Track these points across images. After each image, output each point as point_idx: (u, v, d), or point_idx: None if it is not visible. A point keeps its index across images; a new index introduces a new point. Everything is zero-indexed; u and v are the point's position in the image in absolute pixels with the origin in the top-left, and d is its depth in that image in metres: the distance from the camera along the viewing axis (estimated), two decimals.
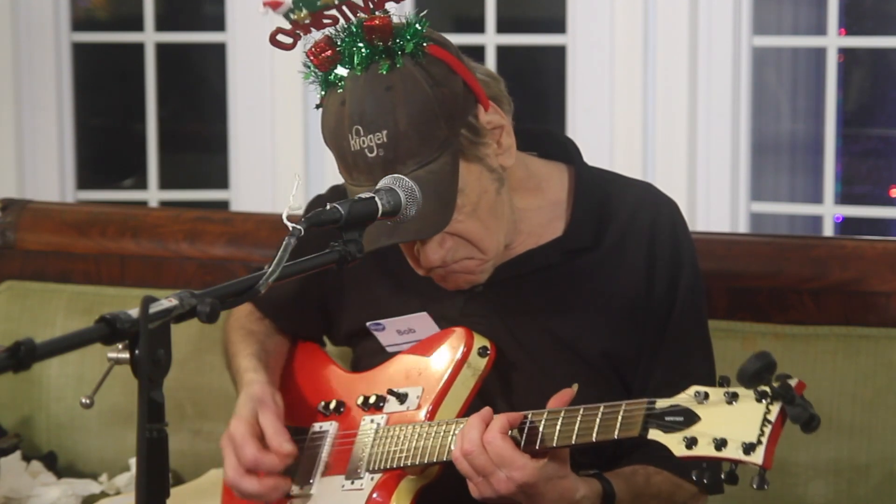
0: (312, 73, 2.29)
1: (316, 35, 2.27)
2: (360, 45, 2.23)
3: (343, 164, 2.26)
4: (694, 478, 1.97)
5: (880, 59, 4.79)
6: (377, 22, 2.22)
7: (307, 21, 2.24)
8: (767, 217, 4.58)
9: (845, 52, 4.57)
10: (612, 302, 2.40)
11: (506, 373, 2.40)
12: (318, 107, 2.31)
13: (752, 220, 4.47)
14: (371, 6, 2.24)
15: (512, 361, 2.40)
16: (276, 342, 2.61)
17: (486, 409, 2.19)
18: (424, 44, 2.24)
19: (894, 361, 2.75)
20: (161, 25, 4.70)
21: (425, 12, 2.26)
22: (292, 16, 2.23)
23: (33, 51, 4.59)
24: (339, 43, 2.25)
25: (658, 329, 2.40)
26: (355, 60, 2.23)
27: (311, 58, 2.26)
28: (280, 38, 2.26)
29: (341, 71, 2.25)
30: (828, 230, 4.47)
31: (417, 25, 2.24)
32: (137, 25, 4.69)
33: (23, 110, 4.61)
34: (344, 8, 2.24)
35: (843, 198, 4.57)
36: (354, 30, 2.24)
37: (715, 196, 4.40)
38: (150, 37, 4.69)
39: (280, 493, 2.37)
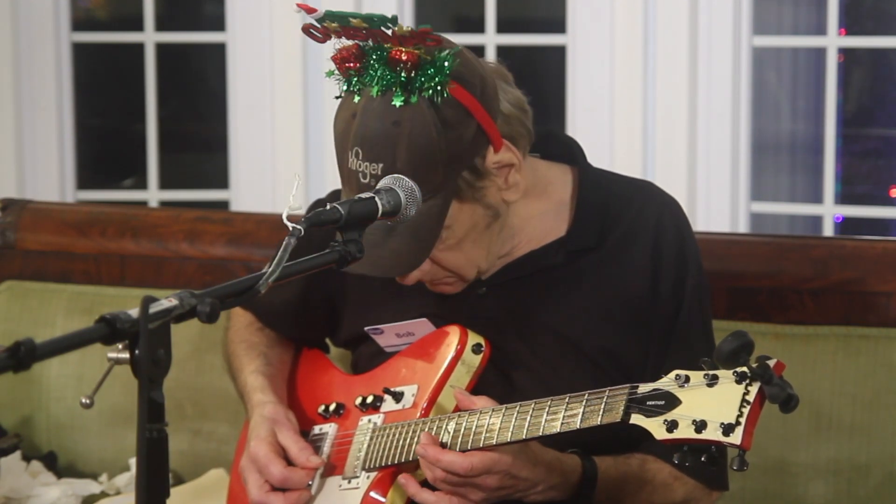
0: (331, 72, 2.29)
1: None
2: (384, 68, 2.22)
3: (340, 170, 2.28)
4: (676, 461, 1.98)
5: (880, 59, 4.79)
6: (405, 57, 2.20)
7: (337, 31, 2.23)
8: (767, 217, 4.58)
9: (845, 52, 4.57)
10: (616, 301, 2.40)
11: (512, 373, 2.40)
12: (338, 97, 2.31)
13: (752, 220, 4.46)
14: (399, 42, 2.21)
15: (518, 362, 2.40)
16: (278, 352, 2.61)
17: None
18: (447, 84, 2.20)
19: (894, 361, 2.75)
20: (161, 25, 4.70)
21: (458, 49, 2.23)
22: (324, 24, 2.23)
23: (33, 51, 4.59)
24: (365, 56, 2.23)
25: (665, 329, 2.40)
26: (374, 81, 2.22)
27: (336, 63, 2.26)
28: (313, 31, 2.26)
29: (359, 83, 2.25)
30: (828, 230, 4.47)
31: (446, 63, 2.20)
32: (137, 25, 4.69)
33: (23, 110, 4.61)
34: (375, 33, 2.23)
35: (843, 198, 4.57)
36: (383, 50, 2.22)
37: (715, 196, 4.40)
38: (150, 37, 4.69)
39: None
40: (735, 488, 2.72)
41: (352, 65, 2.24)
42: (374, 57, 2.22)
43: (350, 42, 2.24)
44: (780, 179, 4.74)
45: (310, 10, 2.22)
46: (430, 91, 2.20)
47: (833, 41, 4.39)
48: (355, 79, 2.25)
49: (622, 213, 2.43)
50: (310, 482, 2.39)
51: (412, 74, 2.20)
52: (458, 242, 2.28)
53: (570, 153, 2.49)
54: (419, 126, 2.20)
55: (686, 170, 4.37)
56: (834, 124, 4.39)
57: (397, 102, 2.20)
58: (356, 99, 2.24)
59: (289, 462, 2.38)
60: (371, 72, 2.22)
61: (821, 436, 2.76)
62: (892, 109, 4.95)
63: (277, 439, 2.40)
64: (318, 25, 2.23)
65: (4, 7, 4.53)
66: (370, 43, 2.23)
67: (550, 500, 2.27)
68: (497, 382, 2.38)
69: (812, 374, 2.76)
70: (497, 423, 2.19)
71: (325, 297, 2.55)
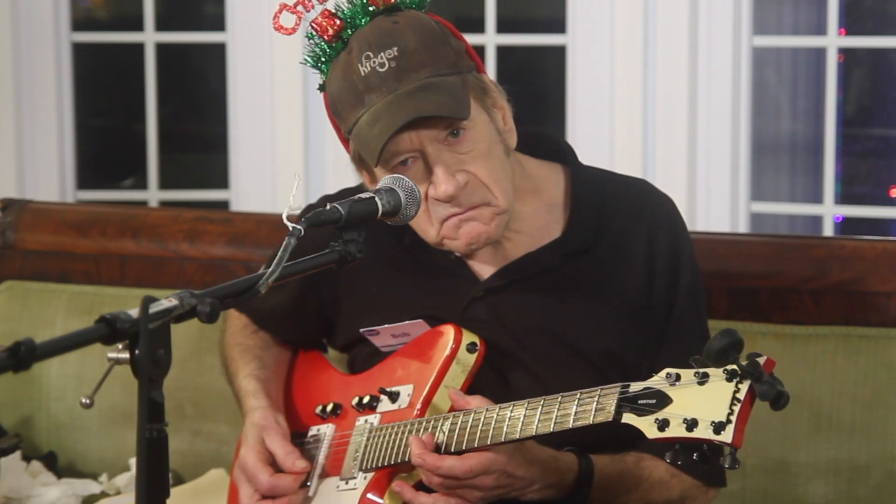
0: (315, 54, 2.30)
1: (310, 18, 2.30)
2: (365, 8, 2.28)
3: (353, 99, 2.26)
4: (668, 459, 1.97)
5: (880, 59, 4.79)
6: None
7: None
8: (767, 217, 4.58)
9: (845, 52, 4.57)
10: (612, 301, 2.40)
11: (509, 375, 2.40)
12: (320, 88, 2.32)
13: (752, 220, 4.46)
14: None
15: (515, 365, 2.40)
16: (273, 354, 2.61)
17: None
18: (425, 5, 2.31)
19: (894, 361, 2.75)
20: (161, 25, 4.70)
21: None
22: None
23: (33, 51, 4.59)
24: (341, 14, 2.28)
25: (659, 327, 2.40)
26: (361, 21, 2.28)
27: (318, 29, 2.28)
28: (282, 20, 2.28)
29: (346, 35, 2.29)
30: (828, 230, 4.47)
31: None
32: (137, 25, 4.69)
33: (23, 110, 4.60)
34: None
35: (843, 198, 4.57)
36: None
37: (715, 196, 4.40)
38: (150, 37, 4.69)
39: None
40: (735, 488, 2.72)
41: (335, 24, 2.26)
42: (352, 9, 2.28)
43: (321, 6, 2.30)
44: (780, 179, 4.73)
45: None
46: (415, 7, 2.30)
47: (833, 41, 4.39)
48: (344, 33, 2.28)
49: (617, 213, 2.43)
50: (308, 482, 2.39)
51: (392, 3, 2.29)
52: (485, 152, 2.28)
53: (560, 152, 2.49)
54: (417, 21, 2.28)
55: (686, 170, 4.37)
56: (834, 124, 4.39)
57: (388, 14, 2.28)
58: (344, 50, 2.28)
59: (278, 468, 2.38)
60: (357, 18, 2.28)
61: (821, 436, 2.76)
62: (892, 109, 4.95)
63: (266, 446, 2.40)
64: (290, 2, 2.27)
65: (4, 7, 4.53)
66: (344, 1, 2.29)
67: (547, 498, 2.27)
68: (494, 384, 2.38)
69: (812, 374, 2.76)
70: (491, 422, 2.19)
71: (319, 306, 2.55)
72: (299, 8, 2.30)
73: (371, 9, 2.28)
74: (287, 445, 2.39)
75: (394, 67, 2.22)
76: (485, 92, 2.30)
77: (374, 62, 2.23)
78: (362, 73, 2.24)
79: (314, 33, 2.30)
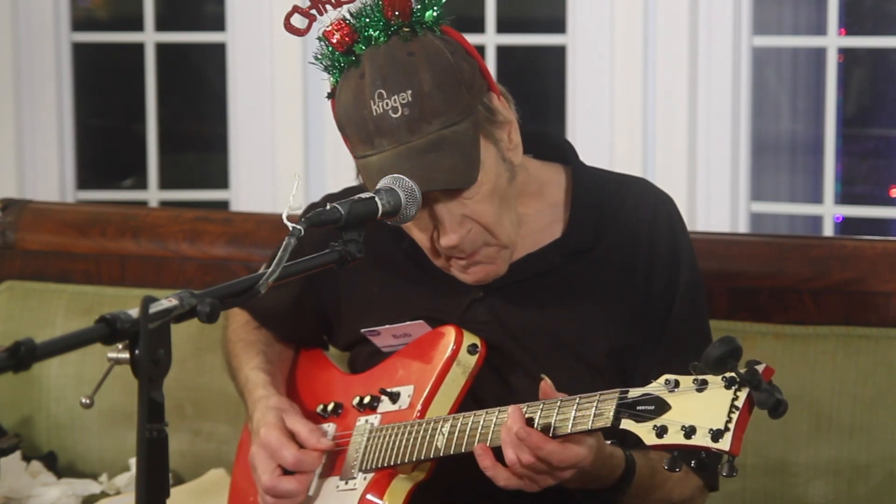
0: (325, 59, 2.28)
1: (325, 22, 2.28)
2: (379, 20, 2.25)
3: (363, 135, 2.24)
4: (666, 466, 1.97)
5: (880, 59, 4.79)
6: (398, 3, 2.24)
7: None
8: (767, 217, 4.58)
9: (845, 52, 4.57)
10: (612, 302, 2.39)
11: (509, 377, 2.39)
12: (329, 96, 2.31)
13: (752, 220, 4.47)
14: None
15: (515, 366, 2.39)
16: (277, 350, 2.61)
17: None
18: (443, 20, 2.27)
19: (894, 361, 2.75)
20: (161, 25, 4.70)
21: None
22: None
23: (33, 51, 4.59)
24: (355, 23, 2.26)
25: (658, 326, 2.39)
26: (374, 33, 2.25)
27: (329, 37, 2.26)
28: (294, 21, 2.26)
29: (359, 49, 2.26)
30: (828, 230, 4.47)
31: (435, 7, 2.27)
32: (137, 25, 4.69)
33: (23, 110, 4.60)
34: None
35: (843, 198, 4.57)
36: (372, 7, 2.26)
37: (715, 196, 4.40)
38: (150, 37, 4.69)
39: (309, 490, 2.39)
40: (735, 488, 2.72)
41: (346, 31, 2.25)
42: (367, 18, 2.25)
43: (335, 12, 2.27)
44: (780, 179, 4.74)
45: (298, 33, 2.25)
46: (432, 20, 2.25)
47: (833, 41, 4.39)
48: (352, 50, 2.26)
49: (617, 212, 2.43)
50: (308, 482, 2.39)
51: (410, 17, 2.24)
52: (491, 191, 2.27)
53: (562, 152, 2.49)
54: (433, 51, 2.24)
55: (686, 170, 4.37)
56: (834, 124, 4.39)
57: (404, 39, 2.24)
58: (356, 67, 2.25)
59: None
60: (370, 29, 2.25)
61: (821, 436, 2.76)
62: (892, 109, 4.95)
63: (286, 425, 2.40)
64: (303, 6, 2.25)
65: (4, 7, 4.53)
66: (357, 9, 2.26)
67: (588, 489, 2.26)
68: (494, 386, 2.38)
69: (812, 374, 2.76)
70: (490, 425, 2.18)
71: (319, 306, 2.55)
72: (312, 12, 2.28)
73: (385, 22, 2.25)
74: (309, 424, 2.39)
75: (406, 116, 2.20)
76: (493, 120, 2.29)
77: (388, 104, 2.21)
78: (374, 112, 2.22)
79: (324, 38, 2.28)
